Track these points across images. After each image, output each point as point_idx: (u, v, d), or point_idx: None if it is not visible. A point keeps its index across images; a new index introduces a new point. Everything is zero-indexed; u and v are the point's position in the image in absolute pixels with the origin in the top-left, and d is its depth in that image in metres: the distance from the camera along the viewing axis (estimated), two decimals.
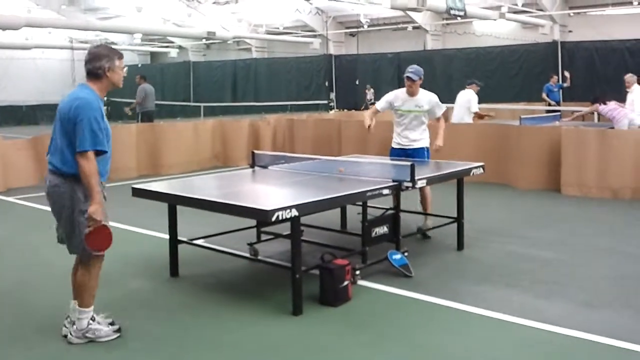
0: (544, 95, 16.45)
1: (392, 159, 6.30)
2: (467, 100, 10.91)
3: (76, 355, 3.62)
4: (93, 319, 3.82)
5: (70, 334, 3.80)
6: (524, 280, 4.86)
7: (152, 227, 6.56)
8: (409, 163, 5.02)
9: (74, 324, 3.81)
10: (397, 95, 6.36)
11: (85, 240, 3.63)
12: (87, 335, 3.79)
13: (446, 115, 6.72)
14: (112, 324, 3.91)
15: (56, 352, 3.69)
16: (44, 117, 26.33)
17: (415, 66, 6.22)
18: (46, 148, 3.98)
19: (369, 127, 6.17)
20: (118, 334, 3.86)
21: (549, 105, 16.10)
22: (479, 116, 10.79)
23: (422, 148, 6.36)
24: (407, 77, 6.14)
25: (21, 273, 5.16)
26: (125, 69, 3.91)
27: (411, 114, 6.30)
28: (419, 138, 6.38)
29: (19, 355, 3.66)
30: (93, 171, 3.60)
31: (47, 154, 3.81)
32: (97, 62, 3.73)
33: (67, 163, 3.66)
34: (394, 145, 6.53)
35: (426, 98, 6.27)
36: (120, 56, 3.86)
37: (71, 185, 3.67)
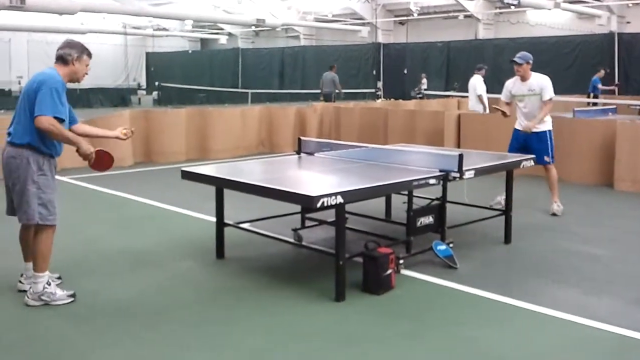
0: (600, 86, 16.22)
1: (513, 140, 6.77)
2: (473, 85, 11.39)
3: (120, 331, 3.72)
4: (49, 283, 4.08)
5: (27, 296, 4.07)
6: (572, 276, 4.75)
7: (200, 210, 6.67)
8: (456, 153, 4.95)
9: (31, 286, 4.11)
10: (512, 82, 6.81)
11: (93, 168, 4.28)
12: (42, 297, 4.04)
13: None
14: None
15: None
16: (97, 100, 26.99)
17: (522, 52, 6.68)
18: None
19: (504, 113, 6.69)
20: (72, 299, 4.11)
21: (595, 97, 15.92)
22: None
23: (544, 132, 6.67)
24: (512, 60, 6.59)
25: (71, 252, 5.32)
26: (89, 67, 4.27)
27: (525, 97, 6.66)
28: (542, 121, 6.65)
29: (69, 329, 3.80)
30: (58, 126, 3.93)
31: (8, 128, 4.11)
32: (69, 50, 4.13)
33: (26, 133, 3.96)
34: (517, 127, 6.84)
35: (537, 81, 6.61)
36: (90, 55, 4.24)
37: (26, 157, 3.97)
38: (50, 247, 4.11)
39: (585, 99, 16.09)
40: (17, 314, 3.96)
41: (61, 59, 4.13)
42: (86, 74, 4.27)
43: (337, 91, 17.49)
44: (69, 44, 4.17)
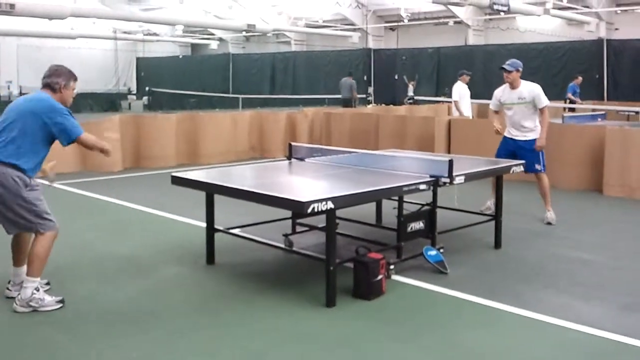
0: (570, 95, 16.43)
1: (502, 147, 6.72)
2: (452, 91, 11.61)
3: (111, 336, 3.69)
4: (37, 289, 4.05)
5: (16, 302, 4.03)
6: (562, 281, 4.77)
7: (190, 215, 6.64)
8: (447, 158, 4.97)
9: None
10: (501, 91, 6.73)
11: None
12: (31, 304, 4.01)
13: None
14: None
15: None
16: (87, 106, 26.86)
17: (512, 59, 6.59)
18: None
19: (497, 130, 6.71)
20: (61, 305, 4.09)
21: (572, 103, 16.16)
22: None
23: (533, 140, 6.61)
24: (502, 68, 6.50)
25: (60, 257, 5.27)
26: (75, 91, 4.31)
27: (515, 106, 6.58)
28: (531, 129, 6.62)
29: (62, 337, 3.76)
30: (92, 138, 4.28)
31: None
32: (56, 78, 4.17)
33: (19, 155, 3.98)
34: (506, 135, 6.77)
35: (527, 89, 6.52)
36: (76, 79, 4.29)
37: (11, 175, 3.97)
38: (49, 252, 4.10)
39: (574, 105, 16.21)
40: (6, 321, 3.93)
41: (49, 87, 4.15)
42: (73, 97, 4.31)
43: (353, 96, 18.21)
44: (56, 72, 4.18)
